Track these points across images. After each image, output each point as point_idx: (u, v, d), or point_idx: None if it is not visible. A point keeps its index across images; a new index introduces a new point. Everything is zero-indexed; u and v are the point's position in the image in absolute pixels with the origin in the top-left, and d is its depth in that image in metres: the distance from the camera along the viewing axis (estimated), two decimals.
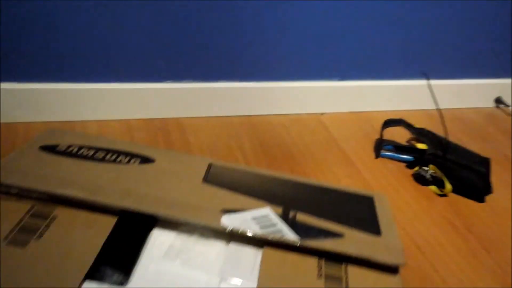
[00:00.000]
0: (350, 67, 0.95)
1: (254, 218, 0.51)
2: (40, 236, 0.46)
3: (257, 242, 0.51)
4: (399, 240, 0.53)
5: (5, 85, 0.75)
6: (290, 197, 0.57)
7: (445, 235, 0.69)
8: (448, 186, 0.77)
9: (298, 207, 0.55)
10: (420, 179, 0.80)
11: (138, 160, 0.58)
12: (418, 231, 0.69)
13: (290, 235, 0.49)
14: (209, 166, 0.60)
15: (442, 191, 0.78)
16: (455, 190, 0.79)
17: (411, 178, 0.82)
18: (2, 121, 0.78)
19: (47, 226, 0.47)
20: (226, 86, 0.88)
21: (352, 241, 0.51)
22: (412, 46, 0.97)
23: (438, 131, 0.88)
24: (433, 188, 0.79)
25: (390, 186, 0.79)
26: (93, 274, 0.44)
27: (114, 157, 0.57)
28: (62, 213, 0.49)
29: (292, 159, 0.81)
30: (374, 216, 0.57)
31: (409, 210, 0.73)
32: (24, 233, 0.46)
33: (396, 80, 1.01)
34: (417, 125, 0.87)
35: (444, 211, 0.75)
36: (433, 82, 1.03)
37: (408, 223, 0.70)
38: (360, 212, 0.57)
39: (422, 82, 1.03)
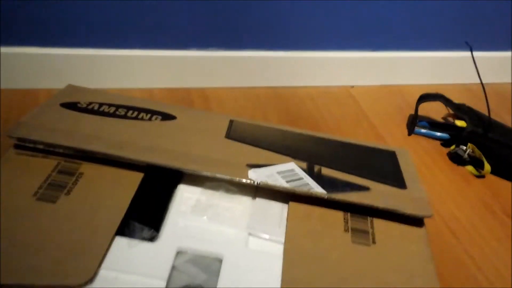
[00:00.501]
0: (384, 36, 0.91)
1: (280, 172, 0.51)
2: (69, 192, 0.46)
3: (283, 196, 0.51)
4: (425, 193, 0.53)
5: (26, 50, 0.75)
6: (313, 152, 0.56)
7: (481, 219, 0.66)
8: (487, 166, 0.73)
9: (322, 161, 0.55)
10: (456, 159, 0.76)
11: (160, 117, 0.57)
12: (453, 214, 0.66)
13: (317, 189, 0.49)
14: (231, 122, 0.59)
15: (480, 172, 0.74)
16: (494, 171, 0.74)
17: (446, 157, 0.78)
18: (23, 87, 0.77)
19: (75, 182, 0.47)
20: (252, 55, 0.86)
21: (379, 194, 0.50)
22: (452, 15, 0.92)
23: (478, 107, 0.83)
24: (470, 168, 0.75)
25: (423, 165, 0.75)
26: (122, 230, 0.44)
27: (135, 114, 0.57)
28: (88, 169, 0.49)
29: (320, 131, 0.78)
30: (398, 170, 0.56)
31: (443, 191, 0.70)
32: (53, 190, 0.46)
33: (433, 51, 0.96)
34: (455, 101, 0.82)
35: (481, 193, 0.71)
36: (474, 54, 0.98)
37: (442, 205, 0.67)
38: (383, 166, 0.56)
39: (461, 54, 0.98)
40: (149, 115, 0.57)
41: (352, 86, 0.93)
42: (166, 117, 0.58)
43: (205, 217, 0.47)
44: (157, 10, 0.77)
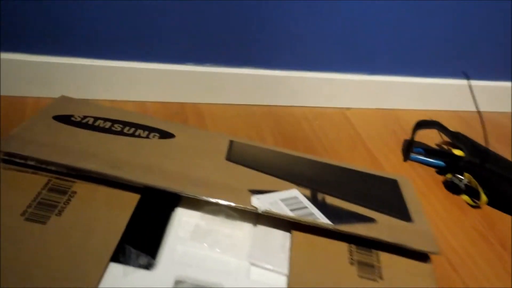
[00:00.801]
0: (381, 60, 0.91)
1: (283, 200, 0.49)
2: (60, 212, 0.43)
3: (284, 224, 0.49)
4: (429, 226, 0.51)
5: (16, 56, 0.72)
6: (315, 178, 0.55)
7: (478, 250, 0.65)
8: (484, 197, 0.72)
9: (325, 189, 0.53)
10: (452, 187, 0.76)
11: (158, 135, 0.55)
12: (449, 243, 0.65)
13: (322, 219, 0.47)
14: (231, 143, 0.57)
15: (475, 202, 0.73)
16: (490, 203, 0.74)
17: (442, 185, 0.77)
18: (11, 94, 0.74)
19: (67, 202, 0.44)
20: (249, 72, 0.84)
21: (385, 226, 0.49)
22: (449, 43, 0.92)
23: (470, 135, 0.82)
24: (465, 198, 0.74)
25: (419, 192, 0.74)
26: (117, 255, 0.41)
27: (132, 130, 0.54)
28: (81, 188, 0.46)
29: (316, 154, 0.77)
30: (402, 201, 0.55)
31: (439, 219, 0.69)
32: (43, 209, 0.43)
33: (427, 78, 0.96)
34: (450, 128, 0.81)
35: (477, 223, 0.70)
36: (465, 82, 0.98)
37: (438, 233, 0.66)
38: (387, 196, 0.55)
39: (454, 81, 0.98)
40: (146, 132, 0.55)
41: (348, 109, 0.93)
42: (165, 135, 0.55)
43: (205, 244, 0.45)
44: (155, 22, 0.75)
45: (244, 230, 0.48)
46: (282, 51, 0.84)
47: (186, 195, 0.46)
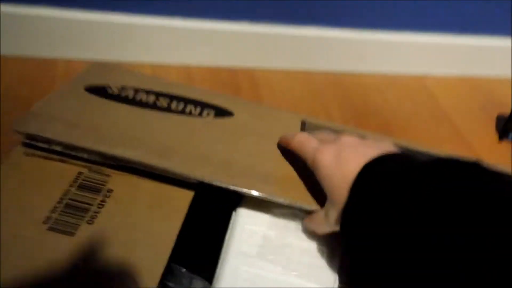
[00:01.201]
0: (468, 17, 0.76)
1: None
2: (93, 219, 0.33)
3: None
4: None
5: (44, 12, 0.61)
6: None
7: None
8: None
9: None
10: None
11: (213, 112, 0.44)
12: None
13: None
14: (303, 125, 0.46)
15: None
16: None
17: None
18: (39, 54, 0.65)
19: (101, 204, 0.34)
20: (310, 33, 0.72)
21: None
22: None
23: None
24: None
25: None
26: (163, 277, 0.31)
27: (181, 106, 0.44)
28: (119, 185, 0.36)
29: (391, 133, 0.65)
30: None
31: None
32: (72, 214, 0.33)
33: None
34: None
35: None
36: None
37: None
38: None
39: None
40: (198, 109, 0.44)
41: (428, 76, 0.78)
42: (220, 112, 0.44)
43: (277, 266, 0.34)
44: None
45: (327, 243, 0.37)
46: (350, 7, 0.71)
47: (256, 197, 0.36)
